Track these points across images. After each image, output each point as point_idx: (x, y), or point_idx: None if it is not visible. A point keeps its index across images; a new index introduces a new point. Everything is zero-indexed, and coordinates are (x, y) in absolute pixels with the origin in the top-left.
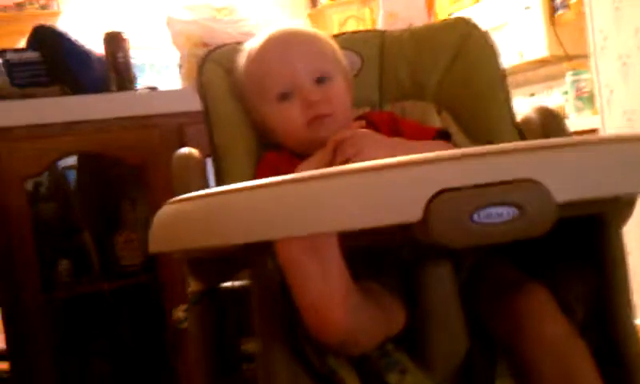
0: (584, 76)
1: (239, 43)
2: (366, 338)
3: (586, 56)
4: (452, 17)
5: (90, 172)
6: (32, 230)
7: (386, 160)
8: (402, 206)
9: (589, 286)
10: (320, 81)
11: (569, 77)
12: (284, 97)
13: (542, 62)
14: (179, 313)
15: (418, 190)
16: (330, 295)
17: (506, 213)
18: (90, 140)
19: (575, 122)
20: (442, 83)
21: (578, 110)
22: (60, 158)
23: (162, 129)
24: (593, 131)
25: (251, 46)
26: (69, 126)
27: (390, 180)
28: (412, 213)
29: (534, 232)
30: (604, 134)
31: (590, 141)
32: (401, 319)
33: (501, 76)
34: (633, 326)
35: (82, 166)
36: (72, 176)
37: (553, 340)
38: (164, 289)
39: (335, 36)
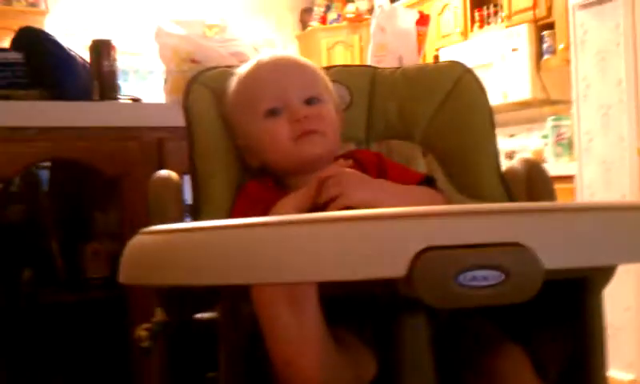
0: (565, 122)
1: (230, 67)
2: None
3: (567, 102)
4: (446, 60)
5: (64, 178)
6: None
7: (373, 211)
8: (386, 261)
9: (563, 347)
10: (310, 101)
11: (550, 121)
12: (272, 113)
13: (525, 105)
14: (140, 331)
15: (403, 245)
16: (304, 350)
17: (491, 277)
18: (66, 147)
19: (553, 167)
20: (430, 125)
21: (557, 155)
22: (35, 163)
23: (142, 142)
24: (570, 177)
25: (241, 69)
26: (46, 131)
27: (375, 232)
28: (396, 268)
29: (518, 298)
30: (595, 201)
31: (581, 207)
32: (371, 369)
33: (490, 124)
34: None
35: (55, 172)
36: (45, 176)
37: None
38: (129, 305)
39: (326, 68)
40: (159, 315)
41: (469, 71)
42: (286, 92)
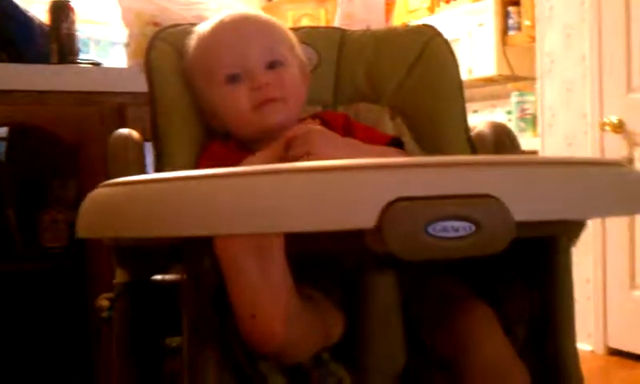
0: (529, 98)
1: (192, 24)
2: (303, 348)
3: (532, 78)
4: (416, 24)
5: (21, 145)
6: None
7: (343, 161)
8: (355, 212)
9: (531, 306)
10: (272, 65)
11: (514, 97)
12: (232, 79)
13: (489, 81)
14: (102, 301)
15: (373, 196)
16: (270, 304)
17: (462, 228)
18: (24, 111)
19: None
20: (398, 88)
21: (521, 130)
22: None
23: (102, 107)
24: (533, 153)
25: (202, 28)
26: (3, 95)
27: (345, 183)
28: (365, 219)
29: (489, 250)
30: (565, 156)
31: (552, 160)
32: (339, 329)
33: (459, 87)
34: (574, 348)
35: (12, 138)
36: (1, 148)
37: (493, 360)
38: (88, 275)
39: (294, 29)
40: (119, 276)
41: (439, 34)
42: (246, 57)
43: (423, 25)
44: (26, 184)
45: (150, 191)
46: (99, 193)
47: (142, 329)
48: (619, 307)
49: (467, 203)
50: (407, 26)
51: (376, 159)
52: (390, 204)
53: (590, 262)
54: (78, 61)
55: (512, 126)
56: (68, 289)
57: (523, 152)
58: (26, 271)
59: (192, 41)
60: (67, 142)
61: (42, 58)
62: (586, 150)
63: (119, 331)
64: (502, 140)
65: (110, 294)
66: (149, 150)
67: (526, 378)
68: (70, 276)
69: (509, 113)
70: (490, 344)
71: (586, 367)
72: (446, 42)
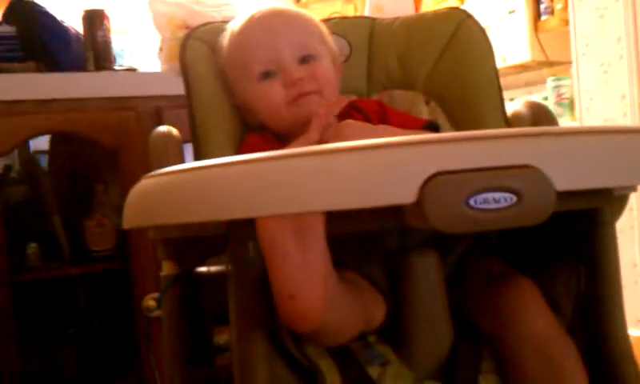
0: (565, 82)
1: (224, 21)
2: (343, 330)
3: (567, 63)
4: (445, 7)
5: (63, 154)
6: (0, 213)
7: (380, 140)
8: (395, 187)
9: (578, 284)
10: (305, 60)
11: (550, 82)
12: (266, 75)
13: (524, 67)
14: (149, 301)
15: (412, 172)
16: (309, 283)
17: (503, 199)
18: (63, 119)
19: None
20: (432, 73)
21: (558, 115)
22: (32, 137)
23: (139, 111)
24: None
25: (234, 25)
26: (42, 104)
27: (383, 160)
28: (405, 194)
29: (531, 221)
30: (605, 125)
31: (592, 130)
32: (381, 311)
33: (494, 69)
34: (624, 324)
35: (54, 148)
36: (44, 161)
37: (539, 336)
38: (135, 276)
39: (324, 20)
40: (166, 269)
41: (469, 16)
42: (279, 53)
43: (453, 8)
44: (70, 191)
45: (191, 178)
46: (142, 184)
47: (191, 320)
48: None
49: (507, 174)
50: (437, 11)
51: (414, 136)
52: (430, 178)
53: (637, 245)
54: (114, 67)
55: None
56: (116, 291)
57: None
58: (74, 276)
59: (224, 38)
60: (107, 146)
61: (79, 67)
62: None
63: (168, 323)
64: (539, 118)
65: (156, 294)
66: (187, 151)
67: (576, 357)
68: (117, 278)
69: (545, 99)
70: (535, 320)
71: (637, 353)
72: (477, 24)
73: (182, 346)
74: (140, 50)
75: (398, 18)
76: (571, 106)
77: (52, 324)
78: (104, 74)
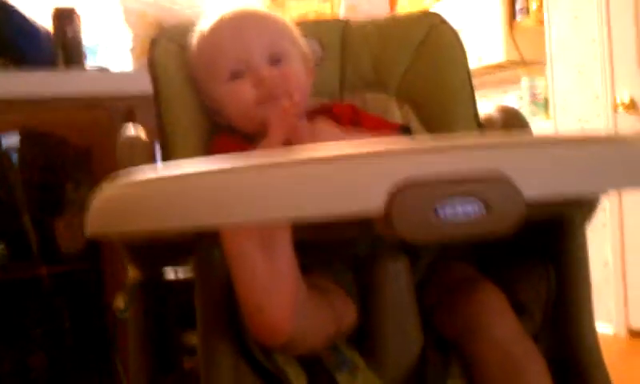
0: (539, 82)
1: (195, 21)
2: (313, 340)
3: (542, 62)
4: (418, 11)
5: (33, 152)
6: None
7: (348, 148)
8: (362, 198)
9: (548, 288)
10: (275, 61)
11: (524, 82)
12: (235, 75)
13: (499, 67)
14: (119, 302)
15: (380, 181)
16: (276, 296)
17: (472, 209)
18: (34, 118)
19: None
20: (405, 76)
21: (533, 114)
22: (0, 134)
23: (111, 111)
24: None
25: (203, 25)
26: (11, 103)
27: (351, 169)
28: (373, 204)
29: (500, 230)
30: (576, 133)
31: (562, 139)
32: (351, 317)
33: (466, 72)
34: (593, 328)
35: (24, 145)
36: (15, 158)
37: (502, 342)
38: (105, 277)
39: (296, 22)
40: (132, 274)
41: (443, 20)
42: (248, 53)
43: (426, 11)
44: (40, 190)
45: (154, 186)
46: (104, 190)
47: (158, 326)
48: (639, 288)
49: (476, 183)
50: (411, 13)
51: (381, 144)
52: (398, 188)
53: (608, 244)
54: (86, 66)
55: (524, 110)
56: (86, 291)
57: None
58: (43, 276)
59: (194, 38)
60: (78, 146)
61: (49, 65)
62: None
63: (134, 330)
64: (511, 122)
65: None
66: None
67: (540, 362)
68: (87, 279)
69: (520, 98)
70: (498, 325)
71: (607, 350)
72: (450, 27)
73: (148, 356)
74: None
75: (371, 19)
76: (546, 105)
77: (21, 324)
78: (74, 72)
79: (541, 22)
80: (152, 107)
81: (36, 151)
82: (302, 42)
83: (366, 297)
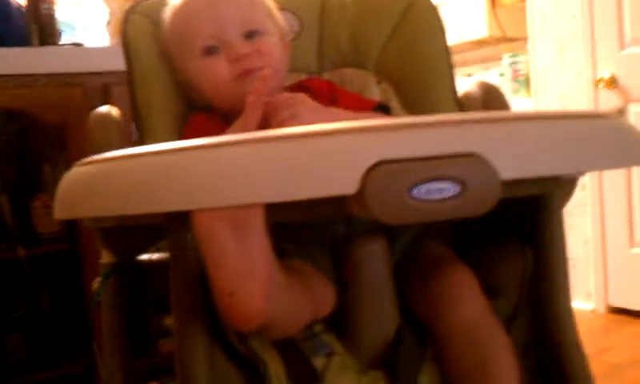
0: (521, 58)
1: None
2: (288, 324)
3: (523, 39)
4: None
5: (8, 131)
6: None
7: (321, 126)
8: (335, 177)
9: (524, 267)
10: (250, 35)
11: (506, 58)
12: (210, 51)
13: (481, 43)
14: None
15: (353, 161)
16: (249, 280)
17: (447, 189)
18: (6, 96)
19: (511, 103)
20: (383, 52)
21: (514, 91)
22: None
23: (86, 88)
24: None
25: (176, 0)
26: None
27: (324, 148)
28: (347, 185)
29: (475, 210)
30: (552, 110)
31: (538, 116)
32: (329, 300)
33: (445, 48)
34: (569, 308)
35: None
36: None
37: (466, 323)
38: (84, 258)
39: None
40: (105, 257)
41: None
42: (223, 28)
43: None
44: (16, 170)
45: (124, 167)
46: (74, 172)
47: (132, 309)
48: (619, 265)
49: (451, 163)
50: None
51: (353, 123)
52: (372, 168)
53: (589, 222)
54: (60, 42)
55: (505, 87)
56: (65, 273)
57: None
58: (21, 257)
59: (167, 13)
60: (53, 124)
61: (23, 42)
62: (580, 107)
63: (108, 313)
64: (490, 98)
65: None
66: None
67: (505, 342)
68: (65, 260)
69: (502, 75)
70: (466, 308)
71: (587, 326)
72: (430, 3)
73: (122, 339)
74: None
75: None
76: (527, 82)
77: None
78: (49, 48)
79: None
80: (125, 84)
81: (11, 130)
82: (278, 15)
83: (343, 279)
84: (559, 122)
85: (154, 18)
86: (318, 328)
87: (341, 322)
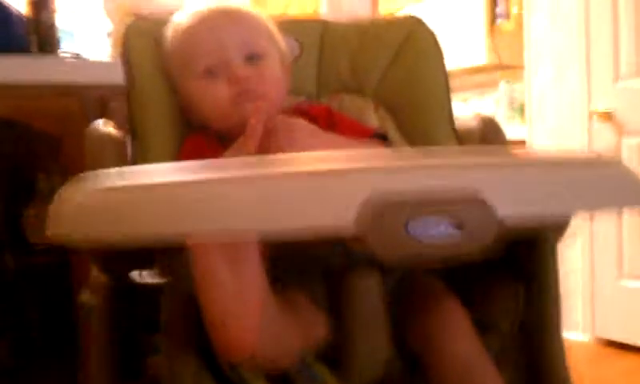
0: (517, 86)
1: (170, 13)
2: (278, 354)
3: (520, 67)
4: (400, 15)
5: (3, 139)
6: None
7: (319, 163)
8: (333, 214)
9: (516, 306)
10: (250, 58)
11: (503, 86)
12: (210, 72)
13: (478, 70)
14: (84, 297)
15: (351, 195)
16: (241, 313)
17: (444, 226)
18: (4, 104)
19: (505, 131)
20: (382, 80)
21: (509, 118)
22: None
23: (84, 100)
24: (521, 142)
25: (179, 19)
26: None
27: (322, 185)
28: (345, 220)
29: (472, 249)
30: (550, 151)
31: (537, 159)
32: (321, 331)
33: (444, 78)
34: (561, 345)
35: None
36: None
37: (459, 358)
38: (73, 270)
39: (275, 20)
40: (95, 274)
41: (422, 24)
42: (224, 50)
43: (407, 15)
44: (10, 179)
45: (119, 196)
46: (67, 194)
47: (122, 330)
48: (607, 297)
49: (449, 202)
50: (391, 16)
51: (352, 154)
52: (369, 205)
53: (578, 252)
54: (59, 52)
55: (501, 114)
56: (54, 283)
57: (510, 143)
58: (9, 267)
59: (169, 32)
60: (49, 134)
61: (21, 50)
62: (574, 139)
63: (97, 332)
64: (488, 133)
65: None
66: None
67: (496, 379)
68: (55, 271)
69: (497, 102)
70: (457, 342)
71: (574, 357)
72: (430, 32)
73: (109, 359)
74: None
75: (351, 20)
76: (522, 110)
77: None
78: (48, 58)
79: (521, 26)
80: (123, 98)
81: (6, 138)
82: (279, 39)
83: (337, 310)
84: (558, 166)
85: (156, 35)
86: (309, 359)
87: (332, 353)
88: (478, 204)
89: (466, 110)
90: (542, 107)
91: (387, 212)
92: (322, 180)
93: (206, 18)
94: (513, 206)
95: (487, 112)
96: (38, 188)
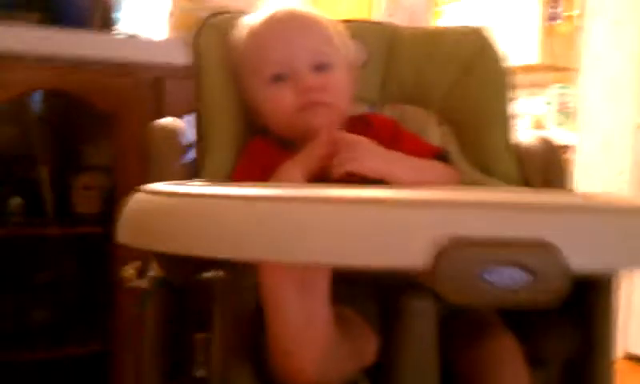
0: (569, 90)
1: (242, 12)
2: (335, 379)
3: (574, 69)
4: (469, 26)
5: (57, 110)
6: None
7: (397, 194)
8: (409, 251)
9: (570, 346)
10: (319, 68)
11: (554, 89)
12: (278, 78)
13: (530, 69)
14: (130, 270)
15: (429, 235)
16: (308, 342)
17: (517, 275)
18: (60, 78)
19: (553, 135)
20: (448, 96)
21: (559, 123)
22: (28, 92)
23: (138, 79)
24: (569, 147)
25: (251, 21)
26: (41, 60)
27: (400, 218)
28: (421, 258)
29: (543, 299)
30: (628, 200)
31: (615, 208)
32: (372, 351)
33: (508, 100)
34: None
35: (49, 103)
36: (36, 98)
37: None
38: (115, 243)
39: (345, 22)
40: (155, 270)
41: (490, 41)
42: (293, 57)
43: (475, 29)
44: (59, 147)
45: (194, 206)
46: (139, 200)
47: (173, 330)
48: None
49: (524, 250)
50: (459, 27)
51: (432, 194)
52: (446, 246)
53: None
54: (117, 30)
55: (551, 117)
56: (96, 255)
57: (568, 175)
58: (55, 235)
59: (240, 34)
60: (101, 110)
61: (82, 24)
62: (622, 150)
63: (150, 334)
64: (550, 161)
65: (136, 264)
66: (189, 124)
67: None
68: (98, 242)
69: (548, 103)
70: (508, 377)
71: None
72: (497, 52)
73: (162, 358)
74: (152, 12)
75: (420, 29)
76: (573, 115)
77: (29, 280)
78: (106, 35)
79: (578, 29)
80: (180, 79)
81: (60, 110)
82: (347, 45)
83: (389, 330)
84: (634, 215)
85: (227, 34)
86: (359, 377)
87: (380, 373)
88: (553, 253)
89: (516, 108)
90: (592, 115)
91: (464, 257)
92: (402, 213)
93: (278, 22)
94: (586, 256)
95: (537, 112)
96: (87, 161)
